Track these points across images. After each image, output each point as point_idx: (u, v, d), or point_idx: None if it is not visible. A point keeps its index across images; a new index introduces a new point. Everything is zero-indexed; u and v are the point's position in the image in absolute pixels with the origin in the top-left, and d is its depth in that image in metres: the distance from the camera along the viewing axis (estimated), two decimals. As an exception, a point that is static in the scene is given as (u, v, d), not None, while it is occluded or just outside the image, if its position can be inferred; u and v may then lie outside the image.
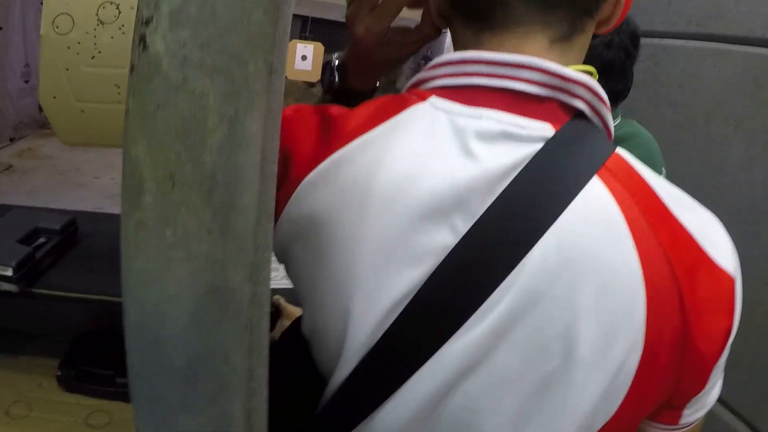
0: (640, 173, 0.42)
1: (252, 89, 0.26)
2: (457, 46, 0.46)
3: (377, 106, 0.45)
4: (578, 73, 0.42)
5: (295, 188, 0.43)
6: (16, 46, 6.51)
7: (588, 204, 0.39)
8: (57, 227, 1.24)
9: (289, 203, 0.43)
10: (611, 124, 0.45)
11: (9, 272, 1.02)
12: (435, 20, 0.49)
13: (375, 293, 0.40)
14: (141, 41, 0.25)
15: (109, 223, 1.59)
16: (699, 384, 0.44)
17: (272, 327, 0.92)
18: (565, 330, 0.38)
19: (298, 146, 0.44)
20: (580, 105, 0.42)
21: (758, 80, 1.03)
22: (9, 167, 4.76)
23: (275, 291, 1.05)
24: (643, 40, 1.30)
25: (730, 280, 0.41)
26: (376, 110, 0.44)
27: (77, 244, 1.31)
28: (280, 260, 0.47)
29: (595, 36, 0.47)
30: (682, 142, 1.20)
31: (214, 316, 0.28)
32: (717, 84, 1.11)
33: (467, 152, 0.39)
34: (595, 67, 0.89)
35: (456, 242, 0.38)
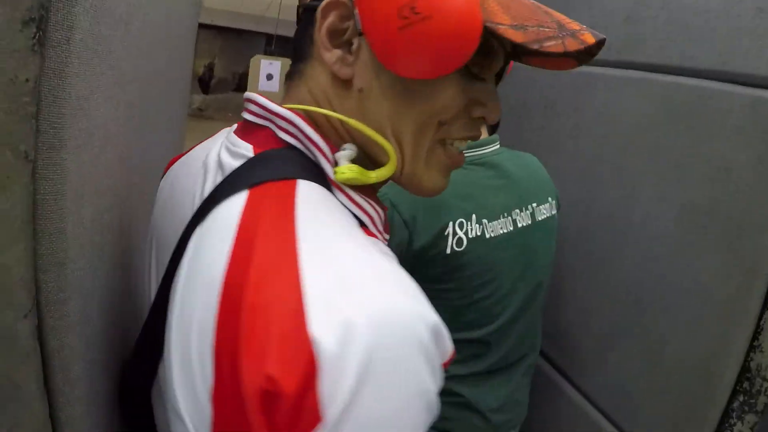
0: (295, 205, 0.43)
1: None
2: None
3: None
4: (284, 109, 0.50)
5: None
6: None
7: (224, 206, 0.44)
8: None
9: None
10: (318, 159, 0.49)
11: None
12: None
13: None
14: None
15: None
16: None
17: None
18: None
19: None
20: (284, 137, 0.50)
21: (671, 111, 1.06)
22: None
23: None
24: (565, 70, 1.37)
25: (305, 347, 0.35)
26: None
27: None
28: None
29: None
30: (598, 174, 1.24)
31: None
32: (634, 114, 1.15)
33: (203, 166, 0.52)
34: None
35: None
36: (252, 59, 4.05)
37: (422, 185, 0.54)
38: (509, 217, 1.08)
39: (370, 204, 0.51)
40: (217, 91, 12.34)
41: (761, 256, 0.88)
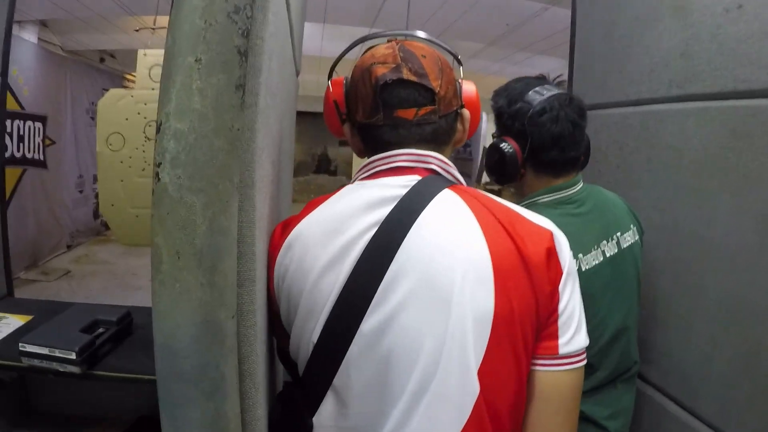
0: (484, 193, 0.81)
1: (222, 199, 0.48)
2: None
3: (330, 194, 0.83)
4: (430, 152, 0.83)
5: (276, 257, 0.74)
6: (69, 159, 7.24)
7: (440, 201, 0.77)
8: (114, 319, 1.50)
9: (275, 266, 0.75)
10: (458, 177, 0.86)
11: (72, 356, 1.27)
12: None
13: (331, 276, 0.72)
14: (156, 175, 0.48)
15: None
16: (551, 296, 0.76)
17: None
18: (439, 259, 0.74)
19: (271, 246, 0.78)
20: (433, 167, 0.84)
21: (735, 131, 1.16)
22: (67, 272, 5.24)
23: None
24: (633, 109, 1.50)
25: (546, 230, 0.79)
26: (330, 195, 0.83)
27: (132, 334, 1.56)
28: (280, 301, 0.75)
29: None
30: (676, 199, 1.33)
31: (207, 339, 0.49)
32: (700, 140, 1.24)
33: (371, 196, 0.78)
34: (546, 139, 1.09)
35: (375, 230, 0.74)
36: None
37: None
38: (599, 249, 1.21)
39: None
40: (298, 174, 13.31)
41: None
